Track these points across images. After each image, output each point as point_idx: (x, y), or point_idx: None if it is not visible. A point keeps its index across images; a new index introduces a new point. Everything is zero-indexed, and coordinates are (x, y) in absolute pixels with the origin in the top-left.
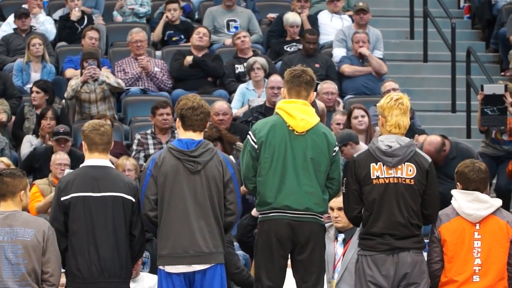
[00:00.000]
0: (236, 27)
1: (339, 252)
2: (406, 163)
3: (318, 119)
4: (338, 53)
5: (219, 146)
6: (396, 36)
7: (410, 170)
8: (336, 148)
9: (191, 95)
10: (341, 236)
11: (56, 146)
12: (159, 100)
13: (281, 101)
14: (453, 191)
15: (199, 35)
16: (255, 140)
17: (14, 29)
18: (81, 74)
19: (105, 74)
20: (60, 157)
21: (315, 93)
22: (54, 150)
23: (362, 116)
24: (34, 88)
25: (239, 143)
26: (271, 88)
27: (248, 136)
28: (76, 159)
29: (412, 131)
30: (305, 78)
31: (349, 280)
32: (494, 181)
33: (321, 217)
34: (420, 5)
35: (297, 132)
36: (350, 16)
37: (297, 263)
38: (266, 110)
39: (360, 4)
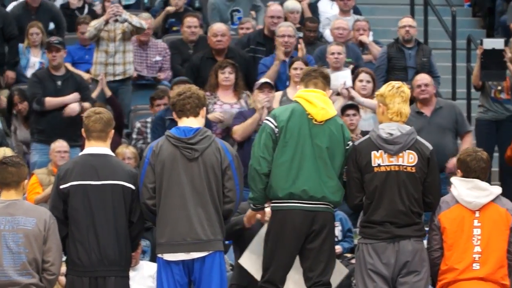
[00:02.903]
0: (239, 18)
1: None
2: (407, 151)
3: (336, 111)
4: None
5: (233, 75)
6: (397, 24)
7: (411, 158)
8: (350, 143)
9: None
10: None
11: (49, 56)
12: (157, 91)
13: (301, 90)
14: (452, 179)
15: (191, 29)
16: (276, 124)
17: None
18: (102, 14)
19: (128, 13)
20: (59, 145)
21: (331, 91)
22: (49, 64)
23: (367, 81)
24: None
25: (247, 92)
26: (271, 17)
27: (267, 121)
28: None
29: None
30: (321, 73)
31: None
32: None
33: (333, 207)
34: None
35: (316, 121)
36: None
37: (307, 251)
38: (265, 39)
39: None
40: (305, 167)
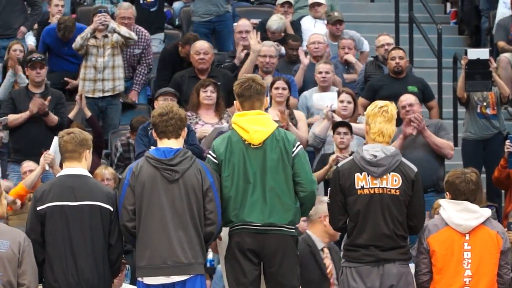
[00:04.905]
0: None
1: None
2: (391, 173)
3: (275, 125)
4: None
5: (215, 95)
6: None
7: (396, 180)
8: (296, 149)
9: (166, 103)
10: None
11: (31, 73)
12: (137, 117)
13: (235, 114)
14: (441, 201)
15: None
16: (216, 157)
17: None
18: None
19: (116, 23)
20: (26, 165)
21: (267, 98)
22: (30, 81)
23: (348, 102)
24: None
25: (229, 109)
26: (239, 33)
27: (209, 155)
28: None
29: None
30: (256, 89)
31: None
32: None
33: (290, 228)
34: (405, 11)
35: (253, 145)
36: None
37: (268, 275)
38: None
39: (336, 14)
40: (249, 198)
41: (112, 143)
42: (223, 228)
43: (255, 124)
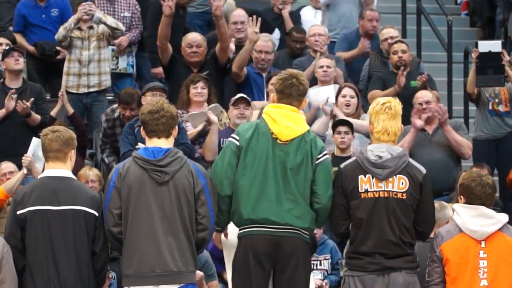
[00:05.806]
0: None
1: None
2: (397, 176)
3: (307, 127)
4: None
5: (206, 91)
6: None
7: (402, 183)
8: (321, 157)
9: (156, 99)
10: None
11: (10, 62)
12: (126, 88)
13: (269, 104)
14: (455, 206)
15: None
16: (238, 139)
17: None
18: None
19: (102, 12)
20: (4, 166)
21: (307, 99)
22: (9, 73)
23: (351, 97)
24: None
25: (222, 109)
26: (234, 23)
27: (232, 138)
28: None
29: None
30: (298, 89)
31: None
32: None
33: (305, 233)
34: (413, 1)
35: (280, 140)
36: None
37: (279, 282)
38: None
39: None
40: (266, 193)
41: (97, 143)
42: (230, 225)
43: (288, 120)
